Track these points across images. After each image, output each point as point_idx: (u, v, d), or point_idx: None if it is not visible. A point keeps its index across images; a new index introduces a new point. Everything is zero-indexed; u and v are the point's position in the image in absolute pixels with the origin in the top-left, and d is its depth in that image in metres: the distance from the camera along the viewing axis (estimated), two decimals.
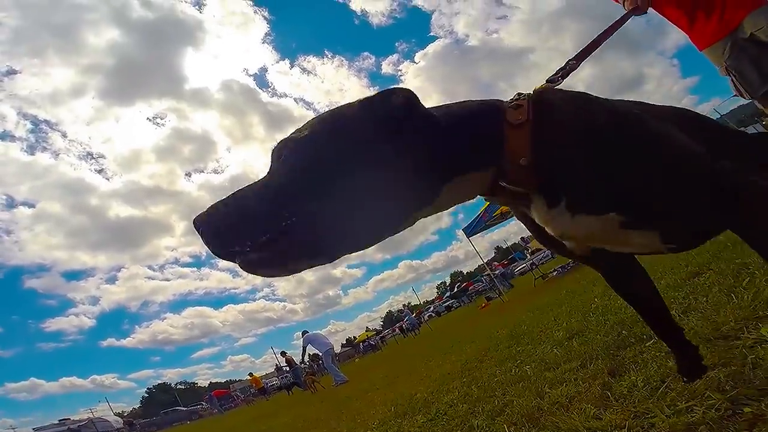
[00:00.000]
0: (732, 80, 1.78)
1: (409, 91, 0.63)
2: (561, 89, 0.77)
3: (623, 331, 1.76)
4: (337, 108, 0.67)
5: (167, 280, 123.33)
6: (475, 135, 0.66)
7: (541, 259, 15.53)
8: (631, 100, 0.85)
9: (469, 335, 6.07)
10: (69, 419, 31.71)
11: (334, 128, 0.62)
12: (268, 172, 0.65)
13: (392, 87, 0.64)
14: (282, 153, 0.63)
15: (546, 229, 0.70)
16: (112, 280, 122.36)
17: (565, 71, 0.87)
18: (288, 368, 15.99)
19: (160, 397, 60.31)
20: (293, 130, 0.67)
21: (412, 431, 2.09)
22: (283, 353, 13.74)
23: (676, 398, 0.94)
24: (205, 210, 0.61)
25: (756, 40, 1.73)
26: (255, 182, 0.65)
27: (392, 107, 0.62)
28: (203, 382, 76.80)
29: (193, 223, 0.60)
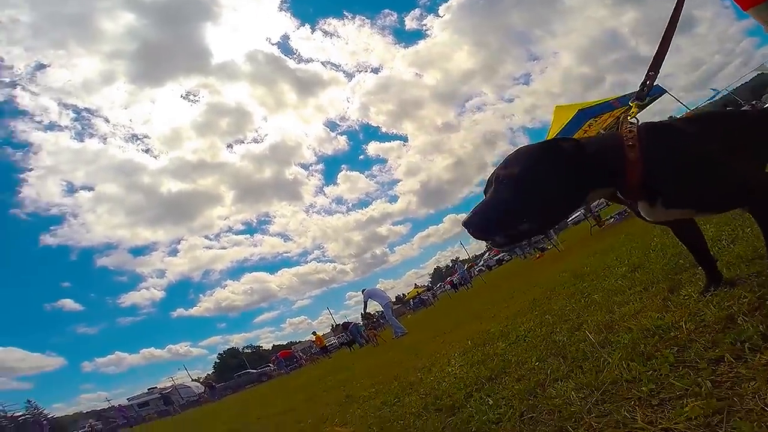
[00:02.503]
0: None
1: (575, 140, 1.12)
2: (652, 125, 1.20)
3: (680, 260, 2.07)
4: (525, 147, 1.17)
5: (224, 248, 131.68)
6: (609, 169, 1.12)
7: (597, 206, 15.18)
8: (690, 119, 1.32)
9: (528, 283, 6.22)
10: (156, 388, 35.44)
11: (529, 162, 1.10)
12: (493, 190, 1.12)
13: (561, 137, 1.15)
14: (499, 179, 1.12)
15: (645, 216, 1.20)
16: (173, 252, 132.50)
17: (648, 85, 1.26)
18: (344, 331, 17.21)
19: (230, 362, 65.31)
20: (501, 164, 1.16)
21: (497, 353, 2.33)
22: (336, 326, 14.81)
23: (722, 299, 1.29)
24: (468, 215, 1.12)
25: None
26: (490, 197, 1.12)
27: (564, 148, 1.10)
28: (267, 345, 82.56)
29: (462, 224, 1.10)
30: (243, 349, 78.44)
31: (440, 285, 40.66)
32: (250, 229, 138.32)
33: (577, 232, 15.05)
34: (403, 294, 41.68)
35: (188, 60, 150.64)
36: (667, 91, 9.22)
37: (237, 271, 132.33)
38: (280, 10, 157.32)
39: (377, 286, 12.14)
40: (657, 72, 1.28)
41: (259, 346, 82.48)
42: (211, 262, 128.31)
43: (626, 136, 1.12)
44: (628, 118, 1.23)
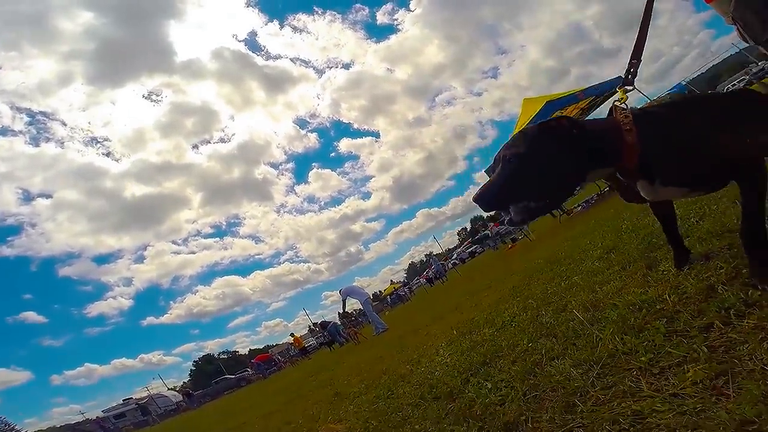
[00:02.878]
0: (737, 29, 2.06)
1: (572, 119, 1.19)
2: (646, 111, 1.28)
3: (653, 239, 2.19)
4: (525, 129, 1.23)
5: (193, 252, 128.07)
6: (609, 151, 1.19)
7: None
8: (676, 102, 1.40)
9: (504, 272, 6.35)
10: (131, 398, 34.12)
11: (532, 142, 1.17)
12: (501, 168, 1.19)
13: (558, 116, 1.19)
14: (505, 158, 1.18)
15: (645, 195, 1.27)
16: (140, 259, 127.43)
17: (632, 72, 1.35)
18: (323, 331, 17.05)
19: (207, 368, 64.07)
20: (504, 145, 1.23)
21: (486, 339, 2.38)
22: (314, 324, 14.75)
23: (699, 272, 1.39)
24: (478, 191, 1.19)
25: None
26: (497, 174, 1.19)
27: (564, 127, 1.16)
28: (243, 350, 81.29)
29: (473, 199, 1.18)
30: (219, 355, 77.12)
31: (416, 280, 41.03)
32: (219, 232, 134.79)
33: (547, 222, 15.51)
34: (380, 291, 41.96)
35: (151, 59, 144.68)
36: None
37: (208, 275, 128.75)
38: (248, 5, 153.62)
39: (354, 284, 12.11)
40: (639, 60, 1.38)
41: (235, 352, 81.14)
42: (181, 267, 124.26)
43: (623, 120, 1.21)
44: (618, 104, 1.31)
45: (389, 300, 34.77)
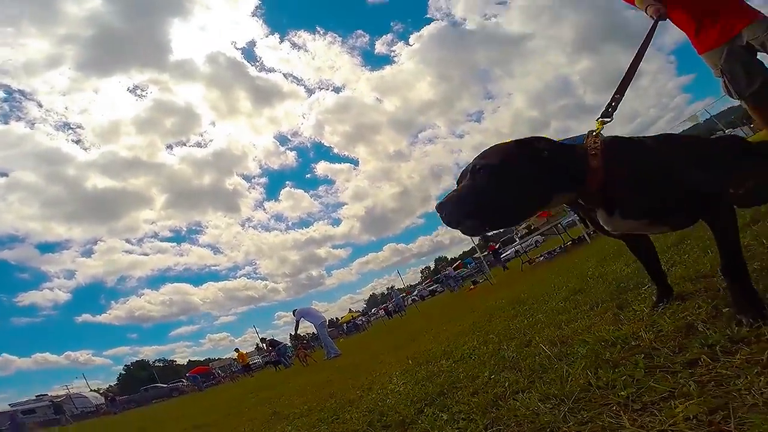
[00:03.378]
0: (724, 81, 2.17)
1: (548, 140, 1.17)
2: (617, 139, 1.26)
3: (621, 284, 2.18)
4: (501, 144, 1.20)
5: (145, 254, 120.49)
6: (572, 174, 1.17)
7: (527, 246, 16.13)
8: (657, 136, 1.41)
9: (464, 310, 6.33)
10: (46, 395, 31.49)
11: (505, 157, 1.14)
12: (469, 178, 1.16)
13: (535, 136, 1.17)
14: (476, 170, 1.15)
15: (604, 225, 1.24)
16: (88, 253, 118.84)
17: (613, 106, 1.34)
18: (272, 350, 16.32)
19: (138, 374, 60.09)
20: (477, 156, 1.19)
21: (443, 370, 2.26)
22: (263, 339, 14.12)
23: (675, 311, 1.35)
24: (443, 199, 1.16)
25: (750, 47, 2.15)
26: (464, 185, 1.15)
27: (538, 149, 1.14)
28: (181, 360, 76.58)
29: (436, 207, 1.15)
30: (154, 362, 72.09)
31: (375, 311, 40.52)
32: (178, 237, 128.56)
33: (509, 269, 15.81)
34: (337, 318, 41.02)
35: (145, 53, 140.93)
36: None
37: (157, 279, 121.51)
38: (253, 15, 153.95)
39: (310, 306, 11.70)
40: (622, 95, 1.38)
41: (172, 361, 76.28)
42: (130, 267, 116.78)
43: (591, 146, 1.18)
44: (593, 131, 1.28)
45: (345, 327, 34.02)
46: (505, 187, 1.10)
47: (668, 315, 1.34)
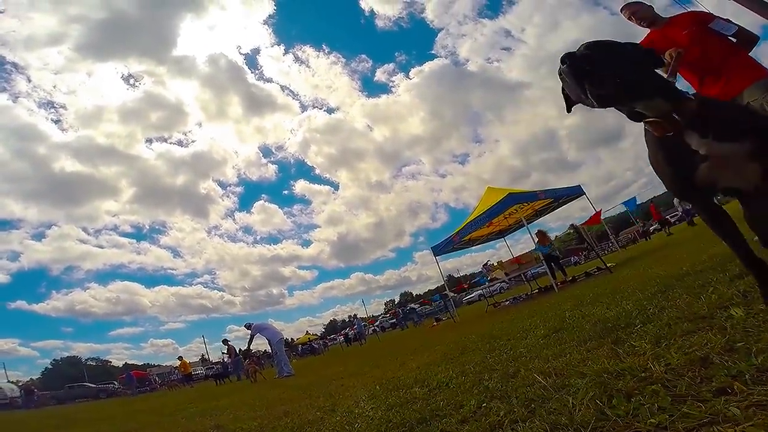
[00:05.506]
0: None
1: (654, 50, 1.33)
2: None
3: (608, 324, 2.12)
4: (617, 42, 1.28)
5: (100, 247, 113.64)
6: (671, 88, 1.28)
7: (492, 291, 16.22)
8: None
9: (430, 343, 6.14)
10: None
11: (620, 43, 1.27)
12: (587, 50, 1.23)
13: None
14: (598, 45, 1.23)
15: (697, 149, 1.21)
16: (39, 236, 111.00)
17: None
18: (228, 357, 15.51)
19: (67, 371, 55.90)
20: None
21: (418, 397, 2.10)
22: (225, 341, 13.38)
23: (682, 346, 1.30)
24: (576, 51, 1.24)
25: None
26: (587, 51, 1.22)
27: (647, 50, 1.30)
28: (117, 362, 71.46)
29: (565, 57, 1.22)
30: (86, 360, 66.92)
31: (333, 336, 39.43)
32: (138, 234, 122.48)
33: (472, 311, 15.76)
34: (293, 338, 39.59)
35: (148, 44, 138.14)
36: (585, 194, 10.63)
37: (107, 275, 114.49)
38: (264, 23, 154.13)
39: (268, 322, 11.19)
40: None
41: (107, 361, 71.09)
42: (81, 258, 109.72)
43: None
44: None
45: (300, 349, 32.84)
46: (625, 62, 1.19)
47: (674, 350, 1.29)
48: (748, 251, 1.31)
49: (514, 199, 9.03)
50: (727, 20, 2.50)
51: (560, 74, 1.22)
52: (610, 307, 2.77)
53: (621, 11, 2.93)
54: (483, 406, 1.51)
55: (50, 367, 63.16)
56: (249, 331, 9.99)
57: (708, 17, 2.59)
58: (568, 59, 1.20)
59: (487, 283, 11.42)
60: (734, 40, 2.48)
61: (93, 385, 30.40)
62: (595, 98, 1.16)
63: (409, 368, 3.63)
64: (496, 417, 1.31)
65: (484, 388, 1.79)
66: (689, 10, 2.71)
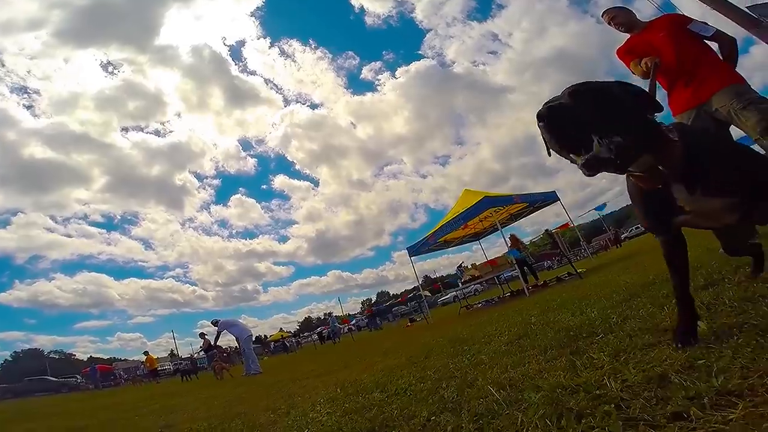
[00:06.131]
0: None
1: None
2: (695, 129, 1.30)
3: (570, 332, 2.08)
4: (601, 82, 1.11)
5: (69, 236, 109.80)
6: (655, 134, 1.12)
7: (467, 293, 16.32)
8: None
9: (401, 343, 6.15)
10: None
11: (609, 88, 1.08)
12: (572, 95, 1.05)
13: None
14: (580, 90, 1.05)
15: (682, 204, 1.14)
16: (4, 223, 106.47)
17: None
18: (204, 351, 15.13)
19: (28, 364, 53.87)
20: (572, 86, 1.09)
21: (374, 404, 2.04)
22: (202, 335, 12.99)
23: (640, 361, 1.24)
24: (550, 101, 1.05)
25: (715, 115, 2.24)
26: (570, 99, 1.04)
27: (637, 90, 1.12)
28: (82, 355, 69.18)
29: (542, 113, 1.03)
30: (49, 353, 64.50)
31: (307, 334, 39.08)
32: (109, 224, 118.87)
33: (445, 312, 15.85)
34: (265, 335, 38.96)
35: (131, 32, 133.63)
36: (560, 200, 10.77)
37: (75, 265, 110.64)
38: (251, 15, 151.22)
39: (237, 319, 10.94)
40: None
41: (71, 354, 68.78)
42: (47, 247, 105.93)
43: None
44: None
45: (272, 346, 32.42)
46: (618, 108, 1.03)
47: (633, 364, 1.23)
48: (685, 289, 1.34)
49: (489, 202, 9.07)
50: (705, 23, 2.48)
51: (539, 124, 1.06)
52: (575, 314, 2.74)
53: (602, 16, 2.91)
54: (433, 419, 1.42)
55: (9, 359, 60.68)
56: (216, 328, 9.74)
57: (686, 19, 2.57)
58: (547, 117, 1.02)
59: (460, 285, 11.45)
60: (712, 43, 2.48)
61: (54, 379, 29.38)
62: (579, 166, 1.02)
63: (374, 371, 3.58)
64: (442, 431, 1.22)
65: (439, 398, 1.71)
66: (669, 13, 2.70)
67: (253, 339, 10.99)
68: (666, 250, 1.35)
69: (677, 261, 1.34)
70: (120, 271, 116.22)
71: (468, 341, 3.33)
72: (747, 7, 7.35)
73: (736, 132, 2.41)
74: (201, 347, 12.68)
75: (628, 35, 2.79)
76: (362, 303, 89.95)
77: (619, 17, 2.76)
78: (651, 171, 1.15)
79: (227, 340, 11.04)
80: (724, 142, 1.23)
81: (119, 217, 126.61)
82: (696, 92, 2.37)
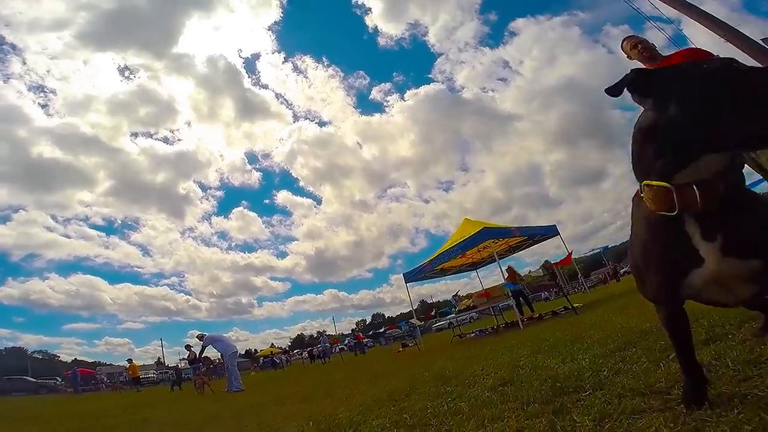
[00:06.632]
0: None
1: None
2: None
3: (557, 383, 1.94)
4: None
5: (68, 236, 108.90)
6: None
7: (462, 320, 16.04)
8: None
9: (387, 372, 6.00)
10: None
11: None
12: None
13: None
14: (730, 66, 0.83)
15: (701, 254, 0.88)
16: (4, 219, 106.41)
17: None
18: (189, 363, 14.84)
19: (9, 363, 52.78)
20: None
21: None
22: (188, 347, 12.75)
23: (627, 428, 1.11)
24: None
25: None
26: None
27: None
28: (66, 357, 67.87)
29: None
30: (32, 353, 63.40)
31: (298, 351, 38.42)
32: (109, 228, 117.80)
33: (438, 338, 15.51)
34: (256, 350, 38.37)
35: (150, 38, 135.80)
36: (559, 234, 10.67)
37: (70, 266, 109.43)
38: (268, 29, 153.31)
39: (228, 334, 10.82)
40: None
41: (55, 356, 67.35)
42: (45, 246, 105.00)
43: None
44: None
45: (261, 361, 31.86)
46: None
47: None
48: (688, 353, 1.18)
49: (488, 233, 8.96)
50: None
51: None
52: (565, 360, 2.61)
53: (623, 41, 2.89)
54: None
55: None
56: (201, 342, 9.58)
57: (707, 55, 2.54)
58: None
59: (454, 313, 11.24)
60: None
61: (33, 380, 28.76)
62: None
63: (352, 404, 3.45)
64: None
65: None
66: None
67: (242, 354, 10.83)
68: (669, 325, 1.17)
69: (683, 334, 1.16)
70: (115, 275, 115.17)
71: (452, 380, 3.19)
72: (762, 40, 7.36)
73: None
74: (186, 358, 12.41)
75: (642, 65, 2.78)
76: (356, 324, 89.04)
77: (645, 44, 2.79)
78: (710, 183, 0.87)
79: (216, 353, 10.82)
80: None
81: (120, 222, 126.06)
82: None
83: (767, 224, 0.85)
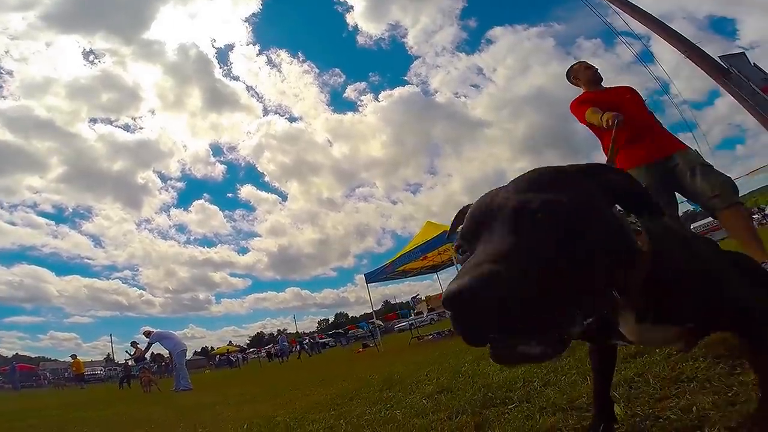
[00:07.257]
0: None
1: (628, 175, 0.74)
2: (664, 227, 0.89)
3: (489, 393, 1.97)
4: (552, 169, 0.70)
5: (13, 223, 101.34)
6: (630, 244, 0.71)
7: (421, 322, 16.21)
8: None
9: (340, 374, 6.00)
10: None
11: (580, 192, 0.64)
12: (508, 231, 0.57)
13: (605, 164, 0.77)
14: (527, 212, 0.58)
15: (625, 334, 0.83)
16: None
17: None
18: (134, 361, 14.15)
19: None
20: (517, 184, 0.67)
21: None
22: (134, 344, 12.16)
23: None
24: (466, 279, 0.48)
25: (675, 170, 2.44)
26: (505, 246, 0.54)
27: (615, 181, 0.72)
28: (6, 352, 63.27)
29: (451, 296, 0.47)
30: None
31: (255, 350, 37.59)
32: (59, 216, 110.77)
33: (399, 339, 15.63)
34: (212, 347, 37.21)
35: (121, 23, 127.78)
36: None
37: (14, 256, 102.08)
38: (245, 21, 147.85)
39: (183, 331, 10.40)
40: None
41: None
42: None
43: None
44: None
45: (216, 359, 30.93)
46: (587, 244, 0.57)
47: None
48: (604, 390, 1.18)
49: (448, 237, 9.07)
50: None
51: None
52: (502, 368, 2.64)
53: (579, 64, 3.00)
54: None
55: None
56: (148, 339, 9.16)
57: (629, 92, 2.77)
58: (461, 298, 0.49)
59: (412, 315, 11.33)
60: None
61: None
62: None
63: (295, 407, 3.45)
64: None
65: None
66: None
67: (198, 351, 10.46)
68: (592, 356, 1.18)
69: (606, 370, 1.17)
70: (63, 266, 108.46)
71: (396, 385, 3.20)
72: (719, 57, 7.86)
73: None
74: (132, 355, 11.80)
75: (582, 90, 2.94)
76: (319, 323, 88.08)
77: (598, 74, 2.95)
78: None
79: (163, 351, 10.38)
80: (696, 254, 0.89)
81: (71, 210, 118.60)
82: (657, 148, 2.55)
83: (702, 292, 0.82)
